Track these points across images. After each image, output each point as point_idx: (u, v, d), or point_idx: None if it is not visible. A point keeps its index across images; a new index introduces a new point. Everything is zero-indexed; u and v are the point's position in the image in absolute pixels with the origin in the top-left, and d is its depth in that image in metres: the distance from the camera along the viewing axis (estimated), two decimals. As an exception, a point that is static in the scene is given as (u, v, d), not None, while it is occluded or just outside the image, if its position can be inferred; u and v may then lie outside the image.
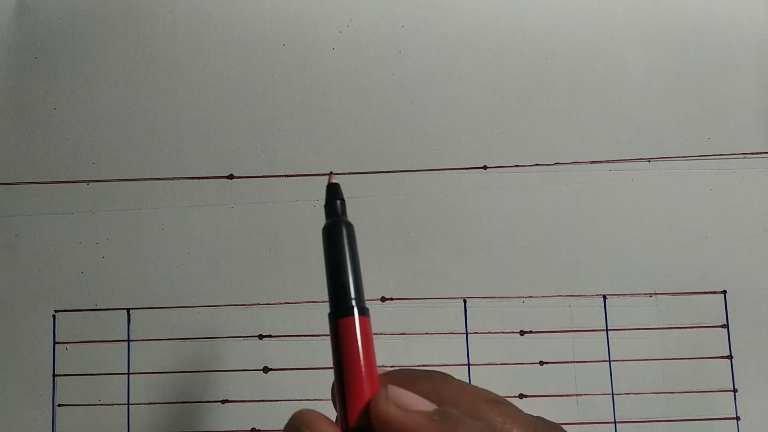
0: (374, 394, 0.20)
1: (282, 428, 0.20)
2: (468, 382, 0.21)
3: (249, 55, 0.38)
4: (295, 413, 0.21)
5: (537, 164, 0.37)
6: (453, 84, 0.38)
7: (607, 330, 0.36)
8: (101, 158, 0.37)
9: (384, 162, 0.37)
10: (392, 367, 0.24)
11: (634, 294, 0.36)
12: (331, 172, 0.25)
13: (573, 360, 0.36)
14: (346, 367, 0.21)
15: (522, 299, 0.36)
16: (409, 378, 0.21)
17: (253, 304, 0.36)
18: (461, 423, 0.19)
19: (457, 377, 0.21)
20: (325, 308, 0.36)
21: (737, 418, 0.35)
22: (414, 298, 0.36)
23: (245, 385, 0.36)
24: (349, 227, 0.24)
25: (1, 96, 0.38)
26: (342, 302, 0.22)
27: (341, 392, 0.21)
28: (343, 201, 0.24)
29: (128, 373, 0.36)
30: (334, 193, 0.24)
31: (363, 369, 0.21)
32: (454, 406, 0.20)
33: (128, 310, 0.36)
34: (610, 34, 0.38)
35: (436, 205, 0.37)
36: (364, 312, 0.22)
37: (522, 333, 0.36)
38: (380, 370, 0.22)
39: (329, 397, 0.22)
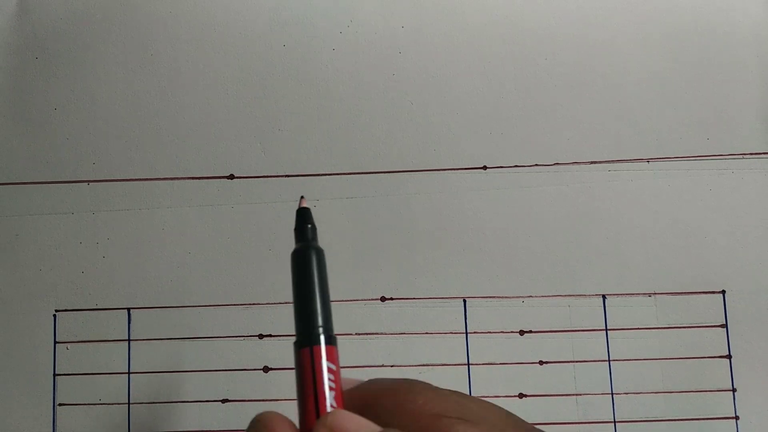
0: (319, 419, 0.19)
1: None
2: (441, 388, 0.20)
3: (249, 55, 0.38)
4: (258, 415, 0.20)
5: (536, 164, 0.37)
6: (453, 84, 0.38)
7: (606, 330, 0.36)
8: (102, 158, 0.37)
9: (384, 162, 0.37)
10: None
11: (633, 294, 0.36)
12: (302, 197, 0.24)
13: (572, 360, 0.36)
14: (309, 397, 0.20)
15: (522, 299, 0.36)
16: (373, 393, 0.20)
17: (253, 304, 0.36)
18: None
19: (450, 384, 0.20)
20: (325, 308, 0.36)
21: (736, 418, 0.35)
22: (414, 298, 0.36)
23: (245, 384, 0.36)
24: (320, 253, 0.23)
25: (1, 96, 0.38)
26: (308, 330, 0.21)
27: (303, 424, 0.20)
28: (314, 226, 0.23)
29: (129, 373, 0.36)
30: (304, 217, 0.23)
31: (328, 400, 0.20)
32: (414, 422, 0.18)
33: (129, 309, 0.36)
34: (609, 35, 0.38)
35: (436, 205, 0.37)
36: (331, 341, 0.21)
37: (522, 333, 0.36)
38: (348, 382, 0.21)
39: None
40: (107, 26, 0.38)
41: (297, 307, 0.21)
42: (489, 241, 0.37)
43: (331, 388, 0.20)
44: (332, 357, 0.20)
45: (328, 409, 0.20)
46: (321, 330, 0.21)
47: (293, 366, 0.36)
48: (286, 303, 0.36)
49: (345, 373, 0.21)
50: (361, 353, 0.36)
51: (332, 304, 0.36)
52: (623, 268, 0.37)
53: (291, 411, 0.21)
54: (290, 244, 0.37)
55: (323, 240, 0.39)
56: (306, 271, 0.22)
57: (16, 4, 0.38)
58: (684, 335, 0.36)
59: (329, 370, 0.20)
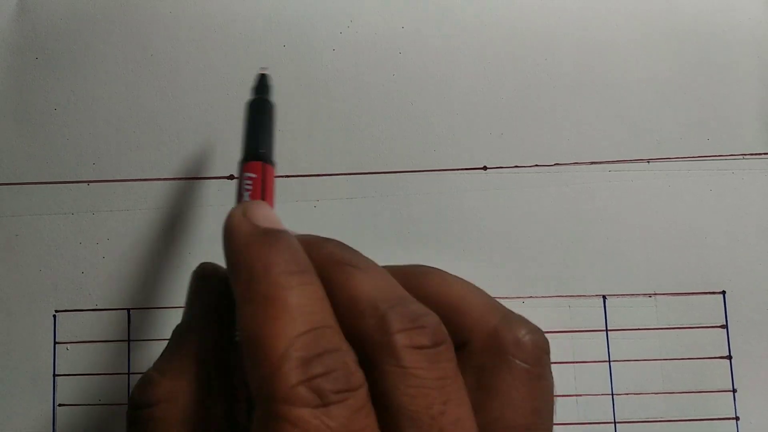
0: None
1: None
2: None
3: (249, 55, 0.38)
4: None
5: (537, 165, 0.37)
6: (453, 85, 0.38)
7: (606, 330, 0.36)
8: (102, 158, 0.37)
9: (384, 162, 0.37)
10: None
11: (633, 294, 0.36)
12: (262, 67, 0.31)
13: (573, 360, 0.36)
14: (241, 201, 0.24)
15: (522, 299, 0.36)
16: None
17: (254, 304, 0.36)
18: (277, 245, 0.20)
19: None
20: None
21: (736, 418, 0.35)
22: (414, 299, 0.36)
23: (245, 385, 0.36)
24: (270, 104, 0.28)
25: (1, 96, 0.38)
26: (250, 150, 0.26)
27: None
28: (269, 87, 0.29)
29: (128, 373, 0.36)
30: (263, 80, 0.30)
31: (243, 198, 0.24)
32: (317, 267, 0.21)
33: (128, 310, 0.36)
34: (609, 36, 0.38)
35: (436, 205, 0.37)
36: (268, 161, 0.26)
37: (522, 333, 0.36)
38: None
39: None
40: (107, 26, 0.38)
41: (245, 136, 0.27)
42: (489, 241, 0.37)
43: (246, 190, 0.24)
44: (258, 170, 0.25)
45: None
46: (261, 152, 0.26)
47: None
48: (286, 303, 0.36)
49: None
50: (361, 353, 0.36)
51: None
52: (623, 268, 0.37)
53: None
54: (290, 245, 0.37)
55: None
56: (257, 113, 0.28)
57: (15, 4, 0.38)
58: (684, 336, 0.36)
59: (247, 178, 0.25)
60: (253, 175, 0.25)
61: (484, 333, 0.22)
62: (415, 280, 0.22)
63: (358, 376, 0.18)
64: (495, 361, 0.21)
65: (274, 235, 0.20)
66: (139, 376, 0.36)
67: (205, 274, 0.24)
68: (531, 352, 0.22)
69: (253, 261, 0.19)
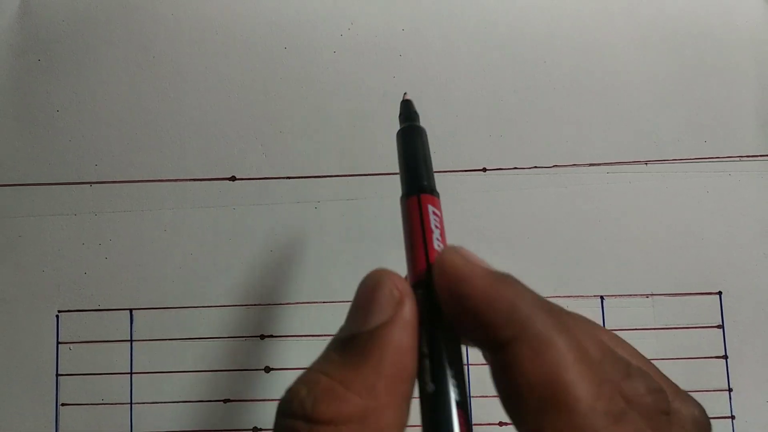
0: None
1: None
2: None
3: (251, 57, 0.38)
4: (371, 272, 0.21)
5: (535, 166, 0.38)
6: (453, 87, 0.38)
7: (604, 330, 0.36)
8: (104, 160, 0.38)
9: (384, 164, 0.37)
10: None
11: (631, 295, 0.37)
12: (405, 93, 0.29)
13: (571, 360, 0.36)
14: (418, 240, 0.22)
15: (520, 300, 0.37)
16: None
17: (255, 305, 0.36)
18: (516, 286, 0.18)
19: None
20: (324, 309, 0.36)
21: (732, 417, 0.36)
22: (414, 299, 0.37)
23: (247, 384, 0.36)
24: (424, 131, 0.26)
25: (4, 98, 0.38)
26: (416, 182, 0.24)
27: (412, 269, 0.21)
28: (417, 113, 0.27)
29: (131, 373, 0.36)
30: (409, 106, 0.28)
31: (434, 239, 0.22)
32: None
33: (131, 310, 0.36)
34: (608, 38, 0.39)
35: (436, 206, 0.37)
36: (434, 193, 0.23)
37: (520, 333, 0.36)
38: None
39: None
40: (109, 28, 0.38)
41: (405, 168, 0.24)
42: (488, 243, 0.37)
43: (436, 227, 0.22)
44: (437, 205, 0.23)
45: (435, 244, 0.21)
46: (426, 183, 0.23)
47: (294, 366, 0.37)
48: (286, 304, 0.36)
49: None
50: (361, 353, 0.36)
51: (336, 304, 0.37)
52: (621, 269, 0.37)
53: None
54: (291, 246, 0.37)
55: (324, 243, 0.39)
56: (413, 141, 0.25)
57: (18, 6, 0.39)
58: (681, 336, 0.36)
59: (434, 213, 0.22)
60: (438, 213, 0.23)
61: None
62: None
63: None
64: None
65: (511, 277, 0.19)
66: (141, 376, 0.37)
67: (399, 285, 0.20)
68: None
69: (516, 301, 0.18)
